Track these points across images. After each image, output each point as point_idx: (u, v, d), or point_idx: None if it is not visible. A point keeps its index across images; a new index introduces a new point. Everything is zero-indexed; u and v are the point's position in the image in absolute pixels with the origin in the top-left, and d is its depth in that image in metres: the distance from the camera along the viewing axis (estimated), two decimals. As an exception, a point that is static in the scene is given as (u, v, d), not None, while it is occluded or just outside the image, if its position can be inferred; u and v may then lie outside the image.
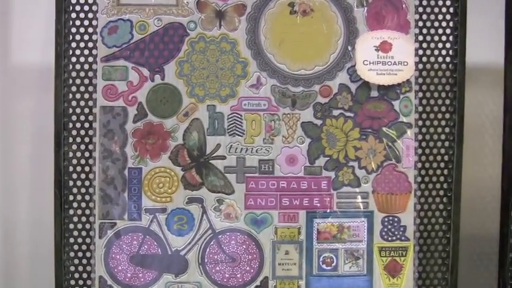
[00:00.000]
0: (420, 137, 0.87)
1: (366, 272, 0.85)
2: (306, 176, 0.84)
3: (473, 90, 0.99)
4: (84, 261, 0.85)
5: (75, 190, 0.85)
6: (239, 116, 0.84)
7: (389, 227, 0.85)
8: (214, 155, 0.84)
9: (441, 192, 0.88)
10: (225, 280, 0.84)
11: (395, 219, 0.86)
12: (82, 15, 0.85)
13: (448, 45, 0.87)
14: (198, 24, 0.84)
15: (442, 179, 0.88)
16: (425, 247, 0.88)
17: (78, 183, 0.85)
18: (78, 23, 0.85)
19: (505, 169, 0.89)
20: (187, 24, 0.84)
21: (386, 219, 0.86)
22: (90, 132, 0.84)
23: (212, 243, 0.84)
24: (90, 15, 0.84)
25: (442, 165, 0.88)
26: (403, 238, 0.86)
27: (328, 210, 0.85)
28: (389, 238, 0.85)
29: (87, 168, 0.85)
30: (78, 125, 0.85)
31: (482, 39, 0.94)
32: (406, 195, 0.85)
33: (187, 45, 0.84)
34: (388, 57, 0.85)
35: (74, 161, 0.85)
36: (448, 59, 0.87)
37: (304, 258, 0.85)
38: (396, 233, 0.85)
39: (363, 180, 0.85)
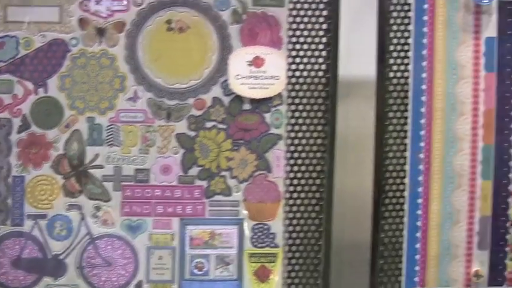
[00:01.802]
0: (292, 148, 1.00)
1: (236, 276, 0.98)
2: (180, 185, 0.97)
3: (346, 103, 1.11)
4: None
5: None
6: (117, 128, 0.96)
7: (260, 234, 0.98)
8: (92, 164, 0.96)
9: (313, 201, 1.01)
10: (101, 283, 0.96)
11: (265, 226, 0.98)
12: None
13: (320, 60, 1.01)
14: (80, 41, 0.97)
15: (314, 188, 1.01)
16: (297, 253, 1.01)
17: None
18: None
19: (376, 179, 1.01)
20: (70, 41, 0.96)
21: (256, 227, 0.98)
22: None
23: (90, 248, 0.96)
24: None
25: (314, 175, 1.00)
26: (272, 245, 0.98)
27: (201, 218, 0.97)
28: (259, 245, 0.98)
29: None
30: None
31: (355, 53, 1.06)
32: (276, 203, 0.98)
33: (69, 61, 0.97)
34: (261, 71, 0.98)
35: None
36: (320, 74, 1.01)
37: (177, 263, 0.96)
38: (266, 240, 0.98)
39: (234, 189, 0.98)
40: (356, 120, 1.16)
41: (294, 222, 1.03)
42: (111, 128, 0.99)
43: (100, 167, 0.99)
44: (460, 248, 1.07)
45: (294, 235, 1.03)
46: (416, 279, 1.06)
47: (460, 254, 1.07)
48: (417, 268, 1.06)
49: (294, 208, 1.03)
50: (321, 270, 1.04)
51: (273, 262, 1.01)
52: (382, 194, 1.05)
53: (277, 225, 1.01)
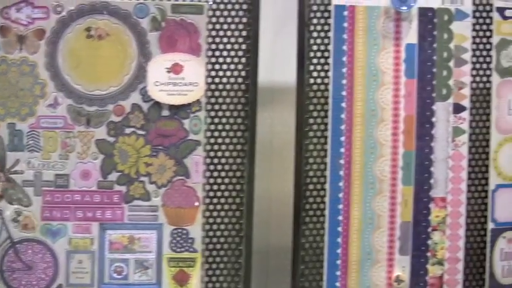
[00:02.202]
0: (212, 153, 1.03)
1: (155, 281, 1.01)
2: (99, 190, 1.00)
3: (269, 110, 1.14)
4: None
5: None
6: (37, 133, 0.99)
7: (178, 239, 1.01)
8: (13, 169, 0.99)
9: (233, 207, 1.04)
10: (21, 287, 0.99)
11: (184, 231, 1.01)
12: None
13: (240, 66, 1.04)
14: (1, 48, 1.00)
15: (234, 193, 1.04)
16: (218, 258, 1.04)
17: None
18: None
19: (297, 185, 1.04)
20: (-9, 48, 0.99)
21: (175, 232, 1.01)
22: None
23: (10, 252, 0.99)
24: None
25: (234, 180, 1.03)
26: (191, 249, 1.01)
27: (120, 222, 1.00)
28: (178, 249, 1.01)
29: None
30: None
31: (275, 60, 1.09)
32: (194, 208, 1.01)
33: (-10, 67, 0.99)
34: (179, 78, 1.01)
35: None
36: (240, 80, 1.04)
37: (97, 267, 1.00)
38: (185, 244, 1.01)
39: (153, 194, 1.01)
40: (277, 126, 1.18)
41: (214, 227, 1.06)
42: (32, 133, 1.02)
43: (21, 172, 1.02)
44: (381, 253, 1.09)
45: (214, 240, 1.06)
46: (337, 284, 1.09)
47: (381, 259, 1.09)
48: (338, 273, 1.09)
49: (214, 213, 1.06)
50: (242, 275, 1.07)
51: (192, 267, 1.04)
52: (303, 200, 1.08)
53: (196, 230, 1.04)
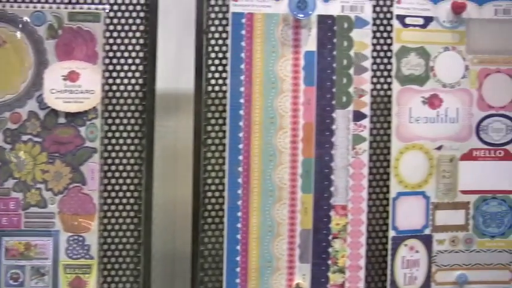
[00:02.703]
0: (110, 161, 1.05)
1: (51, 287, 1.02)
2: (-5, 197, 1.02)
3: (171, 117, 1.16)
4: None
5: None
6: None
7: (74, 245, 1.03)
8: None
9: (131, 214, 1.07)
10: None
11: (80, 238, 1.04)
12: None
13: (137, 74, 1.07)
14: None
15: (132, 201, 1.07)
16: (116, 265, 1.07)
17: None
18: None
19: (195, 192, 1.06)
20: None
21: (71, 238, 1.03)
22: None
23: None
24: None
25: (132, 188, 1.06)
26: (87, 256, 1.04)
27: (16, 229, 1.02)
28: (74, 256, 1.03)
29: None
30: None
31: (179, 68, 1.11)
32: (90, 215, 1.04)
33: None
34: (76, 86, 1.04)
35: None
36: (137, 88, 1.06)
37: (-8, 273, 1.03)
38: (81, 251, 1.03)
39: (49, 201, 1.03)
40: (181, 133, 1.21)
41: (113, 234, 1.09)
42: None
43: None
44: (281, 261, 1.11)
45: (113, 247, 1.09)
46: (237, 291, 1.11)
47: (281, 266, 1.11)
48: (238, 281, 1.11)
49: (112, 220, 1.09)
50: (141, 282, 1.09)
51: (88, 273, 1.07)
52: (202, 207, 1.10)
53: (92, 237, 1.07)
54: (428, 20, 1.15)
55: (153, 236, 1.23)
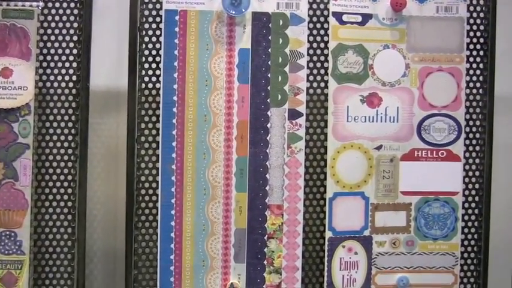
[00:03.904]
0: (43, 157, 1.10)
1: (-18, 282, 1.08)
2: None
3: (112, 114, 1.21)
4: None
5: None
6: None
7: (6, 241, 1.07)
8: None
9: (65, 210, 1.12)
10: None
11: (12, 234, 1.08)
12: None
13: (71, 71, 1.11)
14: None
15: (65, 197, 1.12)
16: (50, 261, 1.12)
17: None
18: None
19: (129, 190, 1.10)
20: None
21: (3, 234, 1.08)
22: None
23: None
24: None
25: (66, 184, 1.11)
26: (19, 252, 1.08)
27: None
28: (6, 251, 1.07)
29: None
30: None
31: (121, 65, 1.15)
32: (22, 211, 1.09)
33: None
34: (9, 82, 1.09)
35: None
36: (71, 84, 1.10)
37: None
38: (13, 247, 1.08)
39: (-19, 196, 1.08)
40: (122, 130, 1.24)
41: (46, 230, 1.15)
42: None
43: None
44: (216, 260, 1.15)
45: (47, 243, 1.14)
46: (171, 290, 1.14)
47: (216, 266, 1.15)
48: (172, 279, 1.15)
49: (46, 216, 1.15)
50: (74, 279, 1.14)
51: (20, 269, 1.11)
52: (136, 205, 1.13)
53: (25, 233, 1.12)
54: (366, 17, 1.18)
55: (95, 234, 1.27)
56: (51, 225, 1.17)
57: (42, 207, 1.16)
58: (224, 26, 1.17)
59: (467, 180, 1.22)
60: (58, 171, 1.17)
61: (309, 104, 1.18)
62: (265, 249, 1.19)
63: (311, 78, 1.19)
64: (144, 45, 1.16)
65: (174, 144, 1.17)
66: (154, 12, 1.16)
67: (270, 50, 1.17)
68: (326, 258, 1.19)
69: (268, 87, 1.17)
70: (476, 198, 1.22)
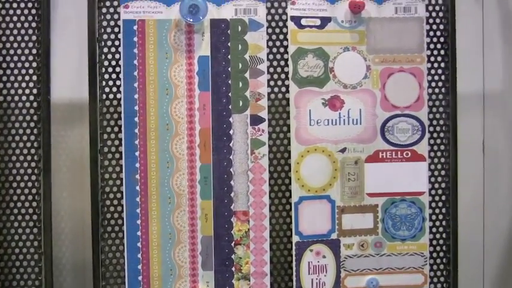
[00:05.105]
0: (7, 171, 1.13)
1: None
2: None
3: (76, 126, 1.23)
4: None
5: None
6: None
7: (-29, 257, 1.10)
8: None
9: (31, 224, 1.17)
10: None
11: (-23, 249, 1.10)
12: None
13: (31, 84, 1.15)
14: None
15: (30, 211, 1.15)
16: (18, 275, 1.15)
17: None
18: None
19: (93, 201, 1.13)
20: None
21: (-32, 250, 1.10)
22: None
23: None
24: None
25: (30, 197, 1.14)
26: (-16, 267, 1.10)
27: None
28: (-29, 267, 1.10)
29: None
30: None
31: (75, 77, 1.18)
32: (-14, 226, 1.10)
33: None
34: (-30, 98, 1.09)
35: None
36: (31, 98, 1.13)
37: None
38: (-22, 262, 1.10)
39: None
40: (80, 143, 1.26)
41: (13, 244, 1.16)
42: None
43: None
44: (184, 269, 1.17)
45: (13, 257, 1.16)
46: (140, 300, 1.16)
47: (184, 274, 1.17)
48: (140, 289, 1.16)
49: (12, 231, 1.15)
50: (41, 289, 1.15)
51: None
52: (101, 216, 1.15)
53: (-13, 248, 1.13)
54: (325, 20, 1.20)
55: (63, 246, 1.29)
56: (17, 239, 1.19)
57: (7, 221, 1.18)
58: (183, 34, 1.19)
59: (433, 179, 1.24)
60: (22, 184, 1.18)
61: (270, 109, 1.20)
62: (233, 256, 1.21)
63: (272, 83, 1.21)
64: (103, 56, 1.18)
65: (137, 154, 1.19)
66: (112, 23, 1.18)
67: (229, 56, 1.19)
68: (294, 263, 1.21)
69: (229, 94, 1.20)
70: (443, 198, 1.25)
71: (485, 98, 1.43)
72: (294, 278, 1.21)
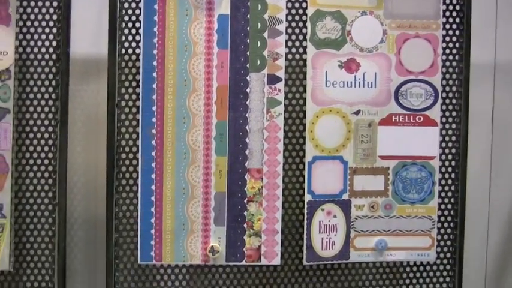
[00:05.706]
0: (24, 122, 1.14)
1: (-37, 246, 1.11)
2: None
3: (92, 81, 1.25)
4: None
5: None
6: None
7: (-13, 205, 1.12)
8: None
9: (46, 174, 1.16)
10: None
11: (-7, 197, 1.12)
12: None
13: (51, 36, 1.15)
14: None
15: (46, 161, 1.16)
16: (31, 225, 1.16)
17: None
18: None
19: (109, 155, 1.15)
20: None
21: (-16, 198, 1.12)
22: None
23: None
24: None
25: (46, 148, 1.16)
26: (0, 215, 1.11)
27: None
28: (-13, 215, 1.12)
29: None
30: None
31: (101, 32, 1.20)
32: (3, 175, 1.13)
33: None
34: (-10, 47, 1.11)
35: None
36: (51, 50, 1.15)
37: None
38: (-7, 210, 1.12)
39: (-38, 161, 1.11)
40: (103, 97, 1.28)
41: (27, 194, 1.19)
42: None
43: None
44: (196, 224, 1.19)
45: (27, 207, 1.17)
46: (152, 253, 1.19)
47: (196, 229, 1.19)
48: (153, 242, 1.19)
49: (27, 181, 1.18)
50: (55, 243, 1.17)
51: (1, 232, 1.15)
52: (116, 169, 1.17)
53: (5, 197, 1.16)
54: (344, -17, 1.22)
55: (75, 200, 1.31)
56: (31, 190, 1.21)
57: (22, 171, 1.20)
58: (203, -8, 1.22)
59: (444, 145, 1.28)
60: (38, 135, 1.20)
61: (287, 69, 1.22)
62: (245, 213, 1.23)
63: (290, 43, 1.23)
64: (124, 11, 1.20)
65: (154, 108, 1.21)
66: (134, -21, 1.21)
67: (248, 15, 1.22)
68: (305, 222, 1.24)
69: (247, 53, 1.22)
70: (453, 163, 1.28)
71: (496, 69, 1.46)
72: (305, 237, 1.24)
